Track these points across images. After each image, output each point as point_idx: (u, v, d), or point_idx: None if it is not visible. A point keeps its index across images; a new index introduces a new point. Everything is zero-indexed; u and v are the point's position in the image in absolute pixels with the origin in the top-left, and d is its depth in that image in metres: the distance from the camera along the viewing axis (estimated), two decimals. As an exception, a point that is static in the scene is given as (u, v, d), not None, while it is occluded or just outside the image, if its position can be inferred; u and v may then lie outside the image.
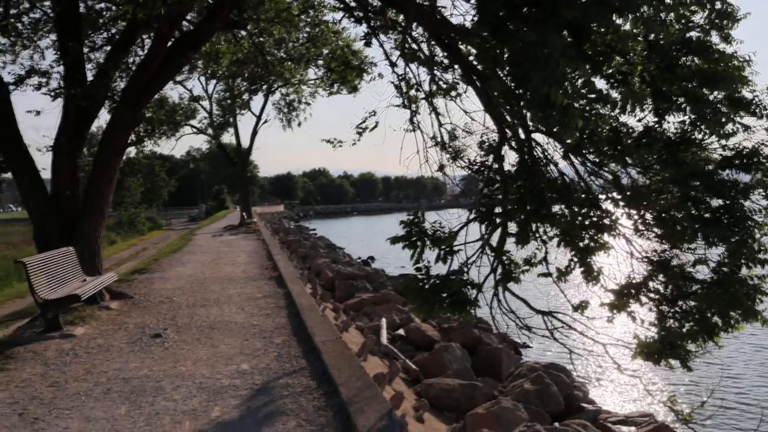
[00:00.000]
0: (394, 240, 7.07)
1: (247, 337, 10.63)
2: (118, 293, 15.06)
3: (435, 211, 8.26)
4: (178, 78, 37.96)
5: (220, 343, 10.23)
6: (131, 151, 46.53)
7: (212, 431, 6.53)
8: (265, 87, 43.81)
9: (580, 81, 5.39)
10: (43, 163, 21.26)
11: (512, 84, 5.86)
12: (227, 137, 55.18)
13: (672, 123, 6.81)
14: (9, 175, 14.96)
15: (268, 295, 14.98)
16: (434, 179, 10.42)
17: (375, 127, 12.02)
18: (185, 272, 20.03)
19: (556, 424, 10.54)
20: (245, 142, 50.99)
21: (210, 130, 48.38)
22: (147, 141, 19.80)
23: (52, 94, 14.77)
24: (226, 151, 56.14)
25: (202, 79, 44.65)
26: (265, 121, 48.83)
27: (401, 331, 15.67)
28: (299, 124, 46.38)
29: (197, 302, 14.22)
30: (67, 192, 14.34)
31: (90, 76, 15.06)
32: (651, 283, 7.40)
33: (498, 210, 7.81)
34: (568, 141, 7.07)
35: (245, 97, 45.71)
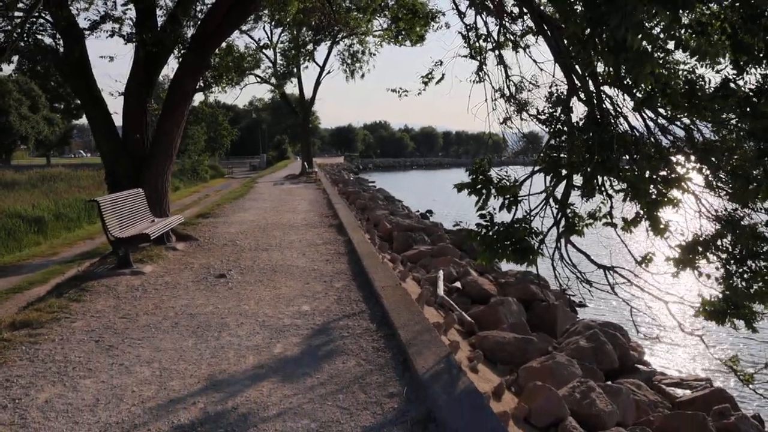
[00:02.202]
0: (461, 187, 7.06)
1: (308, 280, 10.86)
2: (184, 235, 15.52)
3: (494, 168, 8.20)
4: (244, 27, 38.24)
5: (281, 285, 10.49)
6: (196, 99, 47.32)
7: (274, 365, 6.76)
8: (329, 37, 43.72)
9: (658, 27, 5.24)
10: (115, 107, 21.81)
11: (588, 29, 5.72)
12: (290, 87, 55.41)
13: (753, 75, 6.56)
14: (81, 121, 15.51)
15: (328, 241, 15.21)
16: (494, 136, 10.29)
17: (442, 78, 11.93)
18: (248, 218, 20.46)
19: (610, 383, 10.52)
20: (308, 93, 51.28)
21: (273, 80, 48.64)
22: (214, 87, 20.03)
23: (125, 38, 15.08)
24: (289, 102, 56.53)
25: (268, 28, 44.80)
26: (329, 72, 48.98)
27: (458, 284, 15.73)
28: (362, 76, 46.00)
29: (259, 246, 14.55)
30: (137, 135, 14.76)
31: (160, 23, 15.30)
32: (719, 241, 7.24)
33: (564, 162, 7.71)
34: (641, 92, 6.90)
35: (309, 47, 45.68)
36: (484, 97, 9.30)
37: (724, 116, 6.72)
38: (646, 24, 5.07)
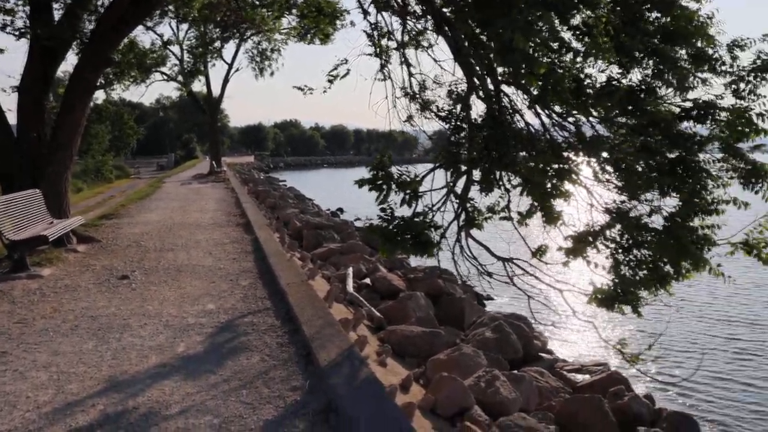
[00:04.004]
0: (361, 182, 7.19)
1: (214, 279, 10.75)
2: (86, 237, 15.02)
3: (405, 165, 8.39)
4: (150, 23, 37.20)
5: (186, 285, 10.34)
6: (99, 97, 45.59)
7: (177, 364, 6.69)
8: (237, 34, 43.12)
9: (544, 29, 5.50)
10: (9, 104, 20.84)
11: (478, 29, 5.94)
12: (198, 85, 54.27)
13: (635, 74, 6.98)
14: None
15: (235, 240, 15.06)
16: (404, 134, 10.44)
17: (346, 74, 11.98)
18: (153, 218, 19.98)
19: (515, 371, 10.89)
20: (216, 91, 50.35)
21: (180, 78, 47.54)
22: (116, 84, 19.44)
23: (17, 33, 14.43)
24: (197, 100, 55.35)
25: (174, 24, 43.75)
26: (237, 70, 48.17)
27: (367, 280, 15.87)
28: (272, 74, 45.61)
29: (165, 246, 14.26)
30: (33, 134, 14.14)
31: (57, 17, 14.72)
32: (608, 232, 7.65)
33: (463, 157, 7.95)
34: (533, 90, 7.21)
35: (217, 44, 44.91)
36: (384, 95, 9.43)
37: (609, 113, 7.10)
38: (534, 24, 5.32)
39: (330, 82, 11.73)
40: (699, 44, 7.31)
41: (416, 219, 7.21)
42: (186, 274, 11.23)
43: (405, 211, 7.46)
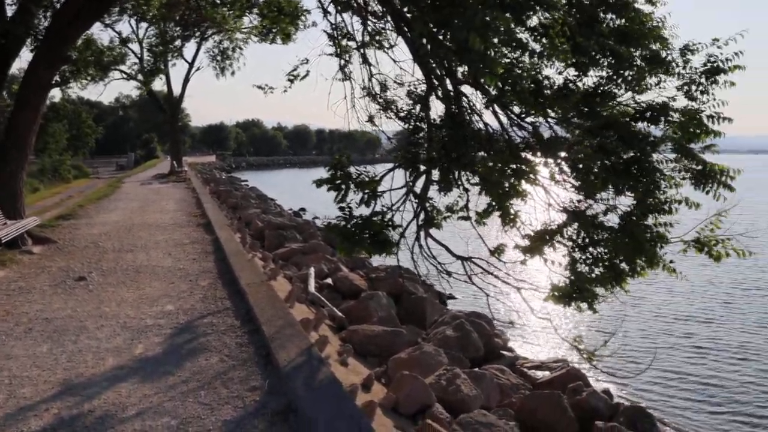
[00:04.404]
0: (320, 182, 7.21)
1: (173, 280, 10.65)
2: (42, 238, 14.73)
3: (368, 165, 8.43)
4: (108, 20, 36.64)
5: (145, 286, 10.23)
6: (56, 95, 44.65)
7: (135, 366, 6.63)
8: (198, 33, 42.68)
9: (501, 29, 5.57)
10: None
11: (434, 29, 5.99)
12: (158, 84, 53.50)
13: (591, 76, 7.11)
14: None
15: (195, 240, 14.93)
16: (367, 134, 10.45)
17: (306, 75, 11.97)
18: (112, 219, 19.69)
19: (477, 369, 11.00)
20: (177, 90, 49.75)
21: (140, 76, 46.83)
22: (73, 82, 19.08)
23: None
24: (157, 99, 54.62)
25: (133, 21, 43.12)
26: (198, 69, 47.68)
27: (329, 280, 15.87)
28: (233, 73, 45.22)
29: (123, 247, 14.07)
30: (-15, 133, 13.85)
31: (11, 13, 14.43)
32: (565, 230, 7.78)
33: (422, 157, 8.01)
34: (492, 90, 7.30)
35: (177, 43, 44.37)
36: (344, 95, 9.45)
37: (567, 114, 7.22)
38: (491, 25, 5.38)
39: (290, 81, 11.71)
40: (653, 46, 7.48)
41: (374, 218, 7.25)
42: (145, 275, 11.10)
43: (365, 211, 7.49)
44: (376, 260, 17.61)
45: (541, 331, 15.81)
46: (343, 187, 7.10)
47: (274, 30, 17.79)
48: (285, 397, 5.64)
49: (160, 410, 5.51)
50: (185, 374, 6.35)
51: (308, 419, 4.93)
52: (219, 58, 44.18)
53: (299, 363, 6.24)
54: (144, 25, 43.08)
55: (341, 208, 7.26)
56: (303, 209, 44.13)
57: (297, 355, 6.43)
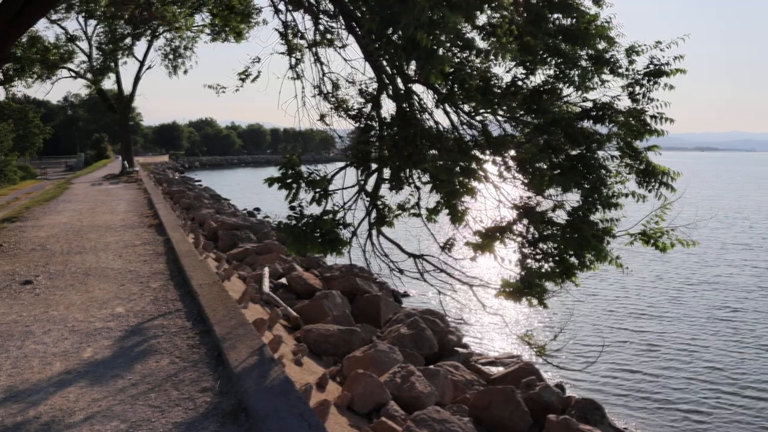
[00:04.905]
0: (271, 181, 7.18)
1: (124, 282, 10.47)
2: (-15, 241, 14.34)
3: (323, 164, 8.43)
4: (54, 17, 35.78)
5: (95, 289, 10.04)
6: (0, 94, 43.42)
7: (83, 370, 6.50)
8: (149, 32, 41.95)
9: (448, 27, 5.63)
10: None
11: (383, 27, 6.02)
12: (108, 83, 52.41)
13: (539, 75, 7.23)
14: None
15: (147, 242, 14.70)
16: (322, 133, 10.42)
17: (258, 76, 11.90)
18: (60, 221, 19.25)
19: (431, 366, 11.09)
20: (127, 89, 48.84)
21: (90, 75, 45.84)
22: (17, 81, 18.57)
23: None
24: (107, 98, 53.53)
25: (81, 19, 42.16)
26: (149, 67, 46.85)
27: (283, 280, 15.81)
28: (185, 72, 44.47)
29: (72, 250, 13.78)
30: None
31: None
32: (515, 227, 7.89)
33: (373, 156, 8.04)
34: (442, 89, 7.36)
35: (128, 41, 43.51)
36: (294, 94, 9.41)
37: (515, 112, 7.33)
38: (439, 23, 5.43)
39: (242, 81, 11.61)
40: (600, 46, 7.64)
41: (325, 217, 7.25)
42: (94, 277, 10.89)
43: (316, 210, 7.49)
44: (331, 259, 17.61)
45: (495, 327, 16.02)
46: (294, 186, 7.08)
47: (226, 29, 17.63)
48: (236, 397, 5.61)
49: (109, 414, 5.42)
50: (135, 377, 6.27)
51: (259, 418, 4.92)
52: (171, 56, 43.44)
53: (251, 363, 6.21)
54: (93, 22, 42.17)
55: (292, 207, 7.25)
56: (257, 209, 43.85)
57: (249, 355, 6.40)
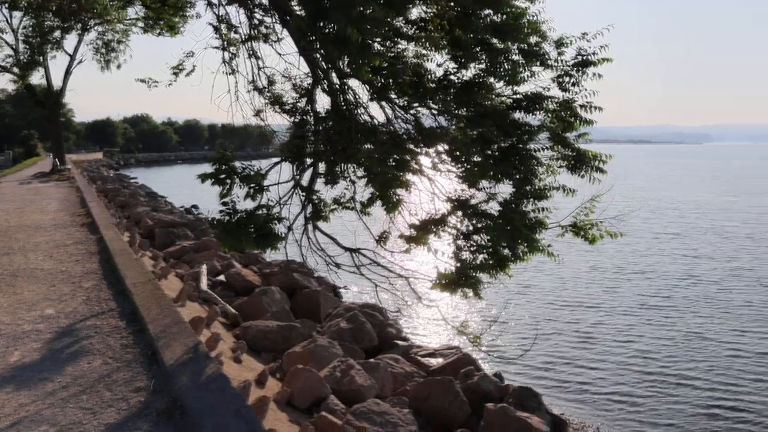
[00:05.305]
0: (204, 177, 7.10)
1: (54, 283, 10.19)
2: None
3: (262, 159, 8.37)
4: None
5: (23, 290, 9.74)
6: None
7: (10, 374, 6.31)
8: (79, 25, 40.71)
9: (378, 22, 5.67)
10: None
11: (314, 21, 6.02)
12: (37, 77, 50.67)
13: (471, 68, 7.33)
14: None
15: (79, 241, 14.33)
16: (260, 128, 10.31)
17: (193, 70, 11.72)
18: (-14, 221, 18.58)
19: (371, 360, 11.14)
20: (57, 84, 47.33)
21: (16, 69, 44.24)
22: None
23: None
24: (35, 93, 51.77)
25: (5, 10, 40.61)
26: (81, 62, 45.46)
27: (222, 277, 15.64)
28: (119, 66, 43.39)
29: (-2, 250, 13.33)
30: None
31: None
32: (449, 219, 8.00)
33: (308, 151, 8.03)
34: (376, 83, 7.39)
35: (57, 34, 42.13)
36: (230, 90, 9.31)
37: (447, 105, 7.42)
38: (369, 17, 5.46)
39: (175, 75, 11.43)
40: (531, 39, 7.79)
41: (258, 212, 7.21)
42: (23, 279, 10.57)
43: (251, 206, 7.44)
44: (270, 255, 17.51)
45: (434, 319, 16.19)
46: (228, 181, 7.03)
47: (160, 22, 17.26)
48: (170, 395, 5.55)
49: (38, 418, 5.29)
50: (65, 380, 6.12)
51: (194, 416, 4.87)
52: (103, 50, 42.33)
53: (186, 361, 6.14)
54: (18, 14, 40.66)
55: (224, 203, 7.19)
56: (195, 206, 43.13)
57: (184, 353, 6.33)
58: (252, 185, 7.16)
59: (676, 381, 12.91)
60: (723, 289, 20.77)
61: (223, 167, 7.05)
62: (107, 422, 5.16)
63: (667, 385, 12.74)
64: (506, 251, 8.05)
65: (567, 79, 7.85)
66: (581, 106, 7.81)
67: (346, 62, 6.98)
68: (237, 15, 10.84)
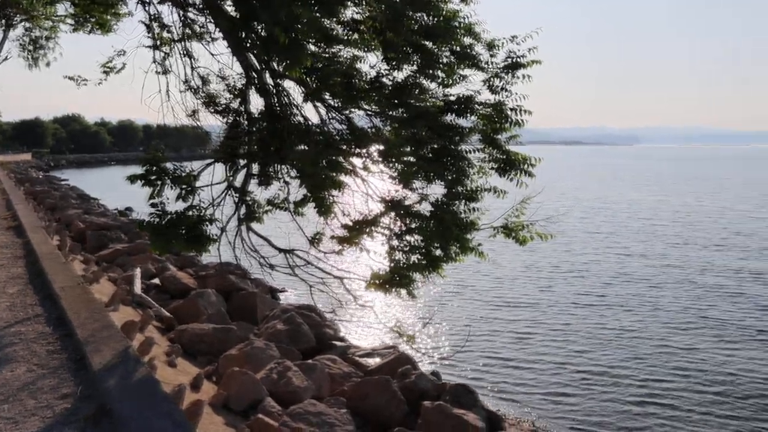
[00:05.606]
0: (133, 178, 6.98)
1: (-25, 289, 9.83)
2: None
3: (198, 161, 8.26)
4: None
5: (-61, 300, 9.34)
6: None
7: None
8: (3, 21, 39.31)
9: (307, 23, 5.68)
10: None
11: (245, 21, 5.99)
12: (-42, 76, 48.65)
13: (404, 70, 7.40)
14: None
15: (4, 245, 13.85)
16: (197, 129, 10.14)
17: (123, 68, 11.48)
18: None
19: (308, 361, 11.13)
20: (-20, 82, 45.59)
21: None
22: None
23: None
24: (-43, 92, 49.71)
25: None
26: (6, 59, 43.86)
27: (156, 280, 15.38)
28: (48, 64, 42.10)
29: None
30: None
31: None
32: (382, 220, 8.06)
33: (242, 152, 7.97)
34: (307, 82, 7.39)
35: (-23, 29, 40.52)
36: (158, 89, 9.16)
37: (380, 107, 7.48)
38: (299, 18, 5.46)
39: (106, 74, 11.19)
40: (465, 41, 7.89)
41: (189, 213, 7.13)
42: (-62, 288, 10.14)
43: (182, 207, 7.34)
44: (206, 258, 17.28)
45: (372, 320, 16.25)
46: (159, 182, 6.92)
47: (92, 19, 16.79)
48: (99, 401, 5.42)
49: (-45, 430, 5.10)
50: (-14, 389, 5.91)
51: (122, 421, 4.79)
52: (30, 47, 40.93)
53: (115, 365, 6.02)
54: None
55: (153, 205, 7.07)
56: (129, 208, 42.05)
57: (113, 358, 6.20)
58: (183, 186, 7.07)
59: (608, 377, 13.26)
60: (654, 287, 21.43)
61: (154, 168, 6.94)
62: (30, 431, 5.01)
63: (600, 380, 13.07)
64: (439, 251, 8.15)
65: (497, 81, 7.98)
66: (512, 109, 7.96)
67: (277, 63, 6.95)
68: (170, 14, 10.68)
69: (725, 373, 13.30)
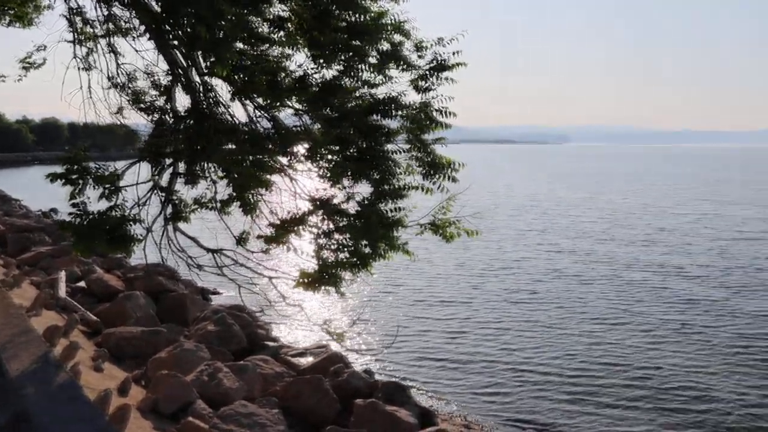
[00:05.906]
0: (53, 177, 6.79)
1: None
2: None
3: (126, 160, 8.06)
4: None
5: None
6: None
7: None
8: None
9: (230, 20, 5.63)
10: None
11: (167, 18, 5.90)
12: None
13: (330, 70, 7.41)
14: None
15: None
16: (126, 127, 9.90)
17: (43, 63, 11.13)
18: None
19: (240, 362, 11.03)
20: None
21: None
22: None
23: None
24: None
25: None
26: None
27: (82, 283, 14.99)
28: (-37, 60, 40.41)
29: None
30: None
31: None
32: (310, 218, 8.06)
33: (168, 150, 7.84)
34: (233, 80, 7.32)
35: None
36: (80, 85, 8.90)
37: (306, 106, 7.47)
38: (225, 15, 5.41)
39: (25, 70, 10.83)
40: (395, 38, 7.92)
41: (112, 213, 6.97)
42: None
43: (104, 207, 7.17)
44: (134, 259, 16.92)
45: (303, 319, 16.18)
46: (80, 182, 6.74)
47: (10, 11, 16.16)
48: (15, 408, 5.27)
49: None
50: None
51: (42, 427, 4.67)
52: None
53: (34, 371, 5.87)
54: None
55: (74, 204, 6.89)
56: (54, 209, 40.68)
57: (32, 364, 6.04)
58: (106, 186, 6.91)
59: (539, 372, 13.51)
60: (582, 283, 21.96)
61: (75, 167, 6.76)
62: (-56, 440, 4.84)
63: (530, 376, 13.31)
64: (367, 249, 8.19)
65: (422, 82, 8.05)
66: (437, 110, 8.04)
67: (202, 60, 6.87)
68: (93, 8, 10.39)
69: (652, 367, 13.74)
